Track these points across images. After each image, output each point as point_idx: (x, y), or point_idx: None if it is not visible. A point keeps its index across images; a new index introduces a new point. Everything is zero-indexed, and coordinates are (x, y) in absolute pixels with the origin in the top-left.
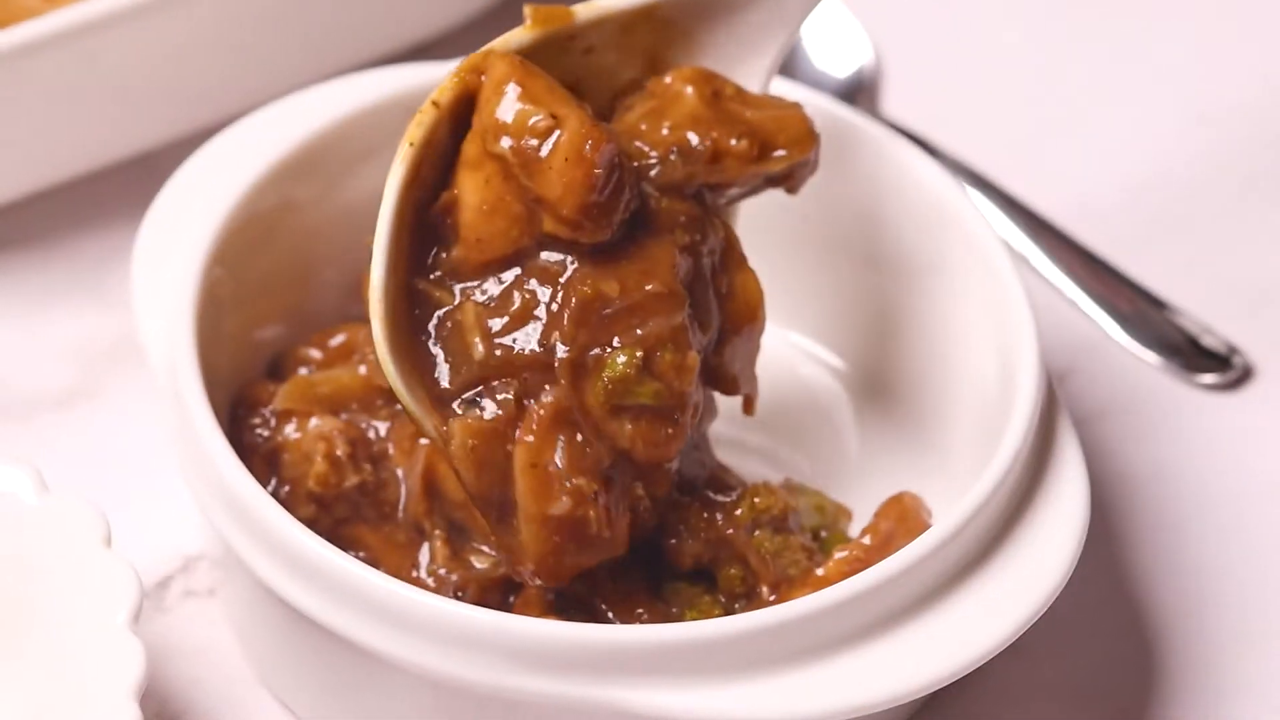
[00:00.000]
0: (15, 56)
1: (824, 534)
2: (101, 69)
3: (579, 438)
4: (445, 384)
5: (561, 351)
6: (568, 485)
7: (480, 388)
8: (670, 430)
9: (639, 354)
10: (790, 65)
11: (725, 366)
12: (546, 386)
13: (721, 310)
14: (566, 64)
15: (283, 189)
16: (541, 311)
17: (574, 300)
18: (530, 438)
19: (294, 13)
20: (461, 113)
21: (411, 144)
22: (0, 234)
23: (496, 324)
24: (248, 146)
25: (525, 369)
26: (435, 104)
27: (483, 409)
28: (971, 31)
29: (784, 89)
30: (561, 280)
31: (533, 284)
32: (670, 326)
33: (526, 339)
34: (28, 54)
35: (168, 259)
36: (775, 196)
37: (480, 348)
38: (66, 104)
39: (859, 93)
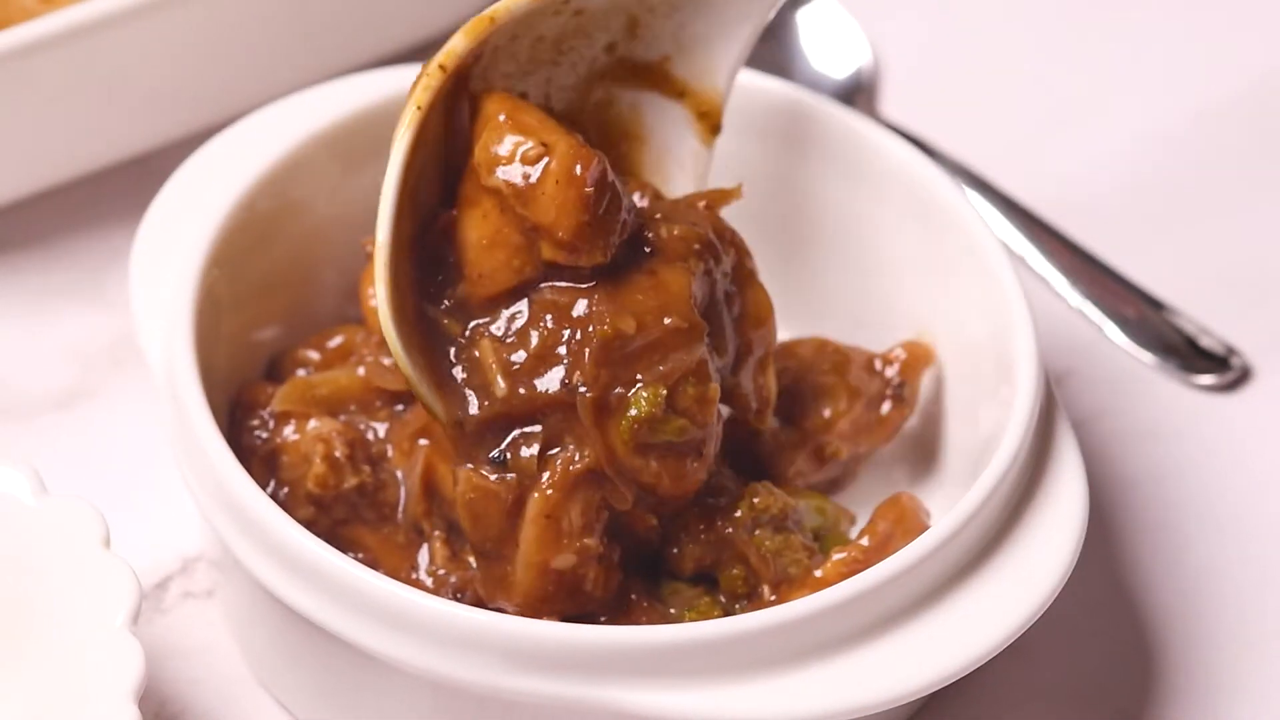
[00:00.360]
0: (13, 58)
1: (825, 535)
2: (100, 70)
3: (599, 498)
4: (473, 411)
5: (584, 391)
6: (576, 544)
7: (510, 439)
8: (695, 464)
9: (663, 391)
10: (788, 67)
11: (740, 386)
12: (571, 442)
13: (736, 331)
14: (558, 24)
15: (281, 190)
16: (562, 350)
17: (594, 340)
18: (551, 490)
19: (293, 14)
20: (458, 92)
21: (419, 107)
22: (0, 235)
23: (516, 361)
24: (246, 148)
25: (549, 409)
26: (442, 68)
27: (506, 469)
28: (969, 33)
29: (784, 90)
30: (575, 315)
31: (548, 320)
32: (692, 360)
33: (549, 380)
34: (26, 55)
35: (166, 260)
36: (773, 199)
37: (502, 385)
38: (65, 105)
39: (857, 94)
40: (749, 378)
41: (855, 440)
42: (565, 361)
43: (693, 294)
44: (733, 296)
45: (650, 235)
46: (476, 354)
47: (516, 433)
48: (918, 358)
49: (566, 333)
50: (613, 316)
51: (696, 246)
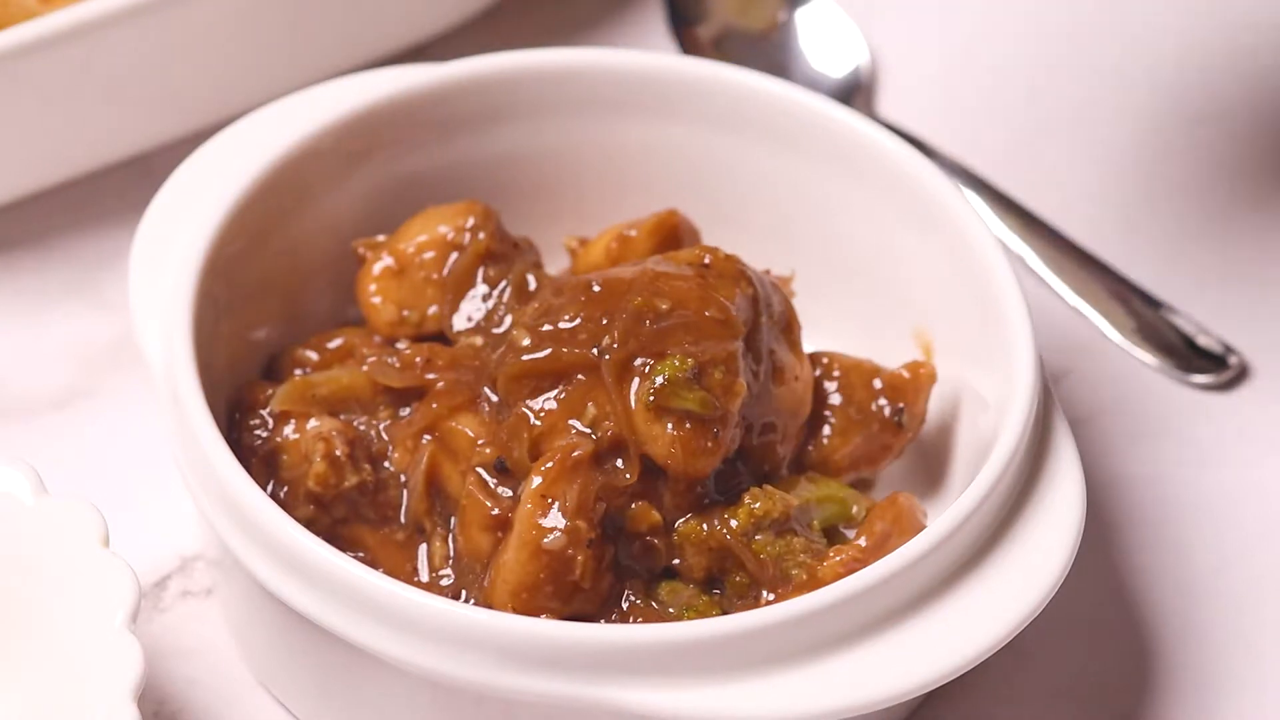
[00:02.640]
0: (13, 57)
1: (837, 526)
2: (99, 70)
3: (599, 485)
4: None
5: (609, 354)
6: (568, 524)
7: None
8: (709, 443)
9: (690, 361)
10: (786, 66)
11: (768, 438)
12: (591, 406)
13: (772, 379)
14: None
15: (280, 190)
16: (593, 319)
17: (628, 309)
18: (551, 464)
19: (291, 14)
20: None
21: None
22: None
23: (547, 325)
24: (245, 147)
25: (573, 369)
26: None
27: (500, 475)
28: (967, 32)
29: (782, 90)
30: (614, 292)
31: (584, 296)
32: (724, 350)
33: (576, 342)
34: (26, 55)
35: (165, 260)
36: (771, 199)
37: (527, 340)
38: (64, 105)
39: (855, 93)
40: (781, 435)
41: (856, 469)
42: (595, 327)
43: (736, 301)
44: (776, 352)
45: (707, 260)
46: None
47: (539, 404)
48: (920, 379)
49: (601, 304)
50: (649, 294)
51: (747, 273)
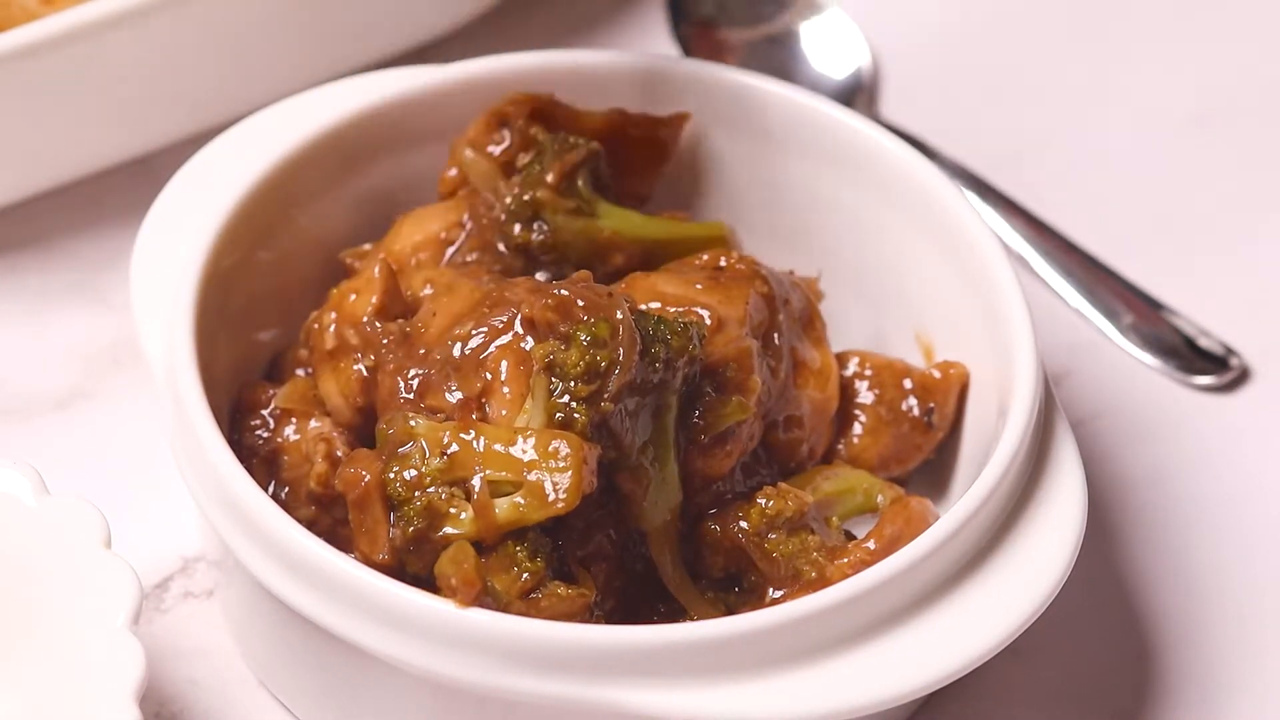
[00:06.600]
0: (14, 59)
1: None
2: (101, 72)
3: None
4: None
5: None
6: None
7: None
8: (726, 445)
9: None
10: (789, 68)
11: (793, 434)
12: None
13: (793, 378)
14: None
15: (282, 192)
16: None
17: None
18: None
19: (293, 16)
20: None
21: None
22: (0, 236)
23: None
24: (247, 149)
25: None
26: None
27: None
28: (969, 34)
29: (784, 91)
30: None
31: None
32: (737, 348)
33: None
34: (27, 57)
35: (167, 261)
36: (772, 200)
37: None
38: (66, 107)
39: (857, 95)
40: (807, 431)
41: (886, 468)
42: None
43: (750, 300)
44: (798, 349)
45: (723, 262)
46: None
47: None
48: (950, 380)
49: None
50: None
51: (762, 272)
